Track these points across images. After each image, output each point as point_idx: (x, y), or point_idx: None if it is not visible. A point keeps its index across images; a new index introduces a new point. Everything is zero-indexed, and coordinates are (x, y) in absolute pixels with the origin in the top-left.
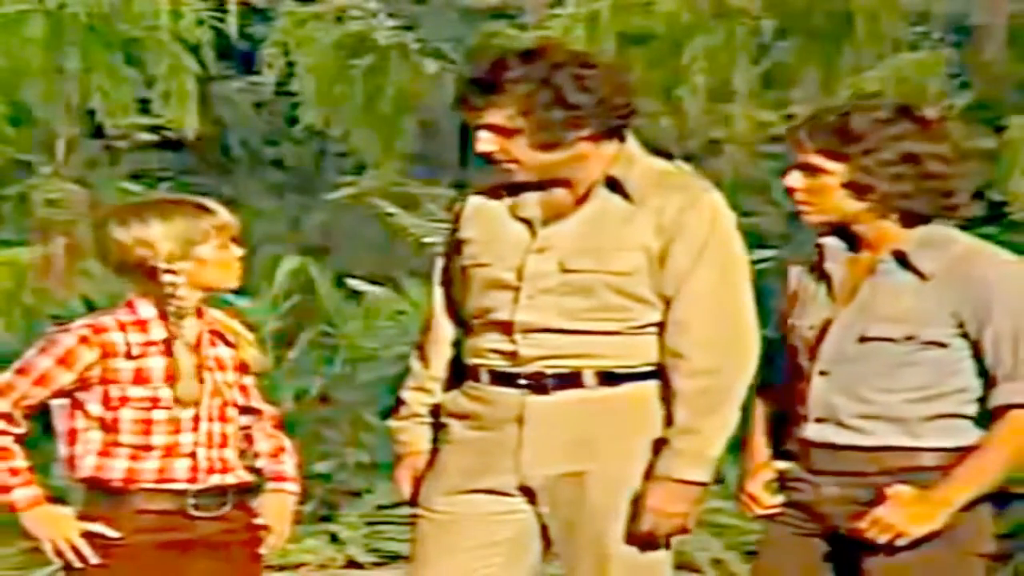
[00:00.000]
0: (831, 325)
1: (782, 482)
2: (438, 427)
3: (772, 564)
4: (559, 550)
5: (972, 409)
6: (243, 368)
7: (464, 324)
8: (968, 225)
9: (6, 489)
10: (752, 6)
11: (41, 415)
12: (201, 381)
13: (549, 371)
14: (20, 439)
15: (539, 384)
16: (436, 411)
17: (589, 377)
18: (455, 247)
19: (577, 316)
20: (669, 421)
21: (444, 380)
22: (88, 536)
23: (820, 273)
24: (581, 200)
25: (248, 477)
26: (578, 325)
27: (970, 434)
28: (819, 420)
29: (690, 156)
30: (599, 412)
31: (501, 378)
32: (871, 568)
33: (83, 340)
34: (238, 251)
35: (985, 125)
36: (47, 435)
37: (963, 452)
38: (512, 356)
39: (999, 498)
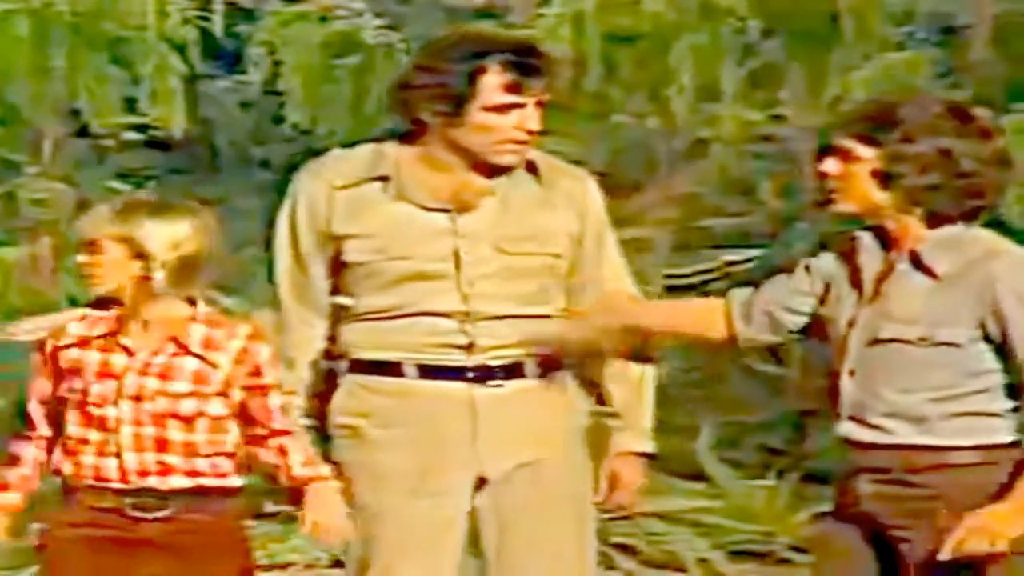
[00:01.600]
0: (855, 324)
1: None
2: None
3: (838, 562)
4: (502, 543)
5: (1000, 406)
6: (258, 388)
7: (340, 319)
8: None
9: None
10: (739, 6)
11: (23, 415)
12: (121, 382)
13: (498, 362)
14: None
15: (489, 375)
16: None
17: (530, 366)
18: (325, 243)
19: (522, 301)
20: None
21: (309, 382)
22: (49, 527)
23: (853, 268)
24: (484, 186)
25: (215, 483)
26: (524, 310)
27: (996, 432)
28: (851, 418)
29: (677, 155)
30: (541, 401)
31: (437, 371)
32: (908, 562)
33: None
34: (82, 258)
35: None
36: None
37: (994, 449)
38: (468, 348)
39: None
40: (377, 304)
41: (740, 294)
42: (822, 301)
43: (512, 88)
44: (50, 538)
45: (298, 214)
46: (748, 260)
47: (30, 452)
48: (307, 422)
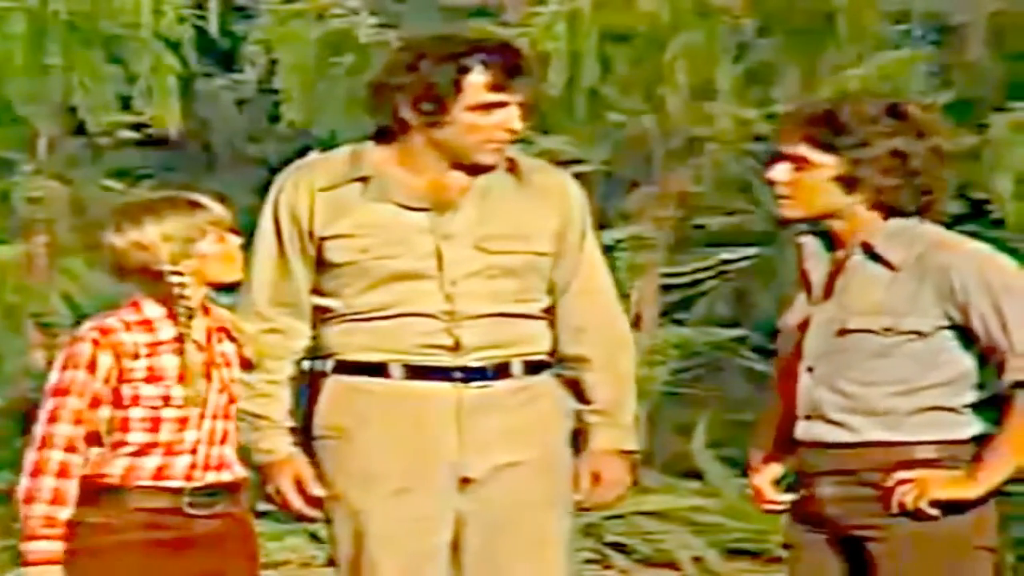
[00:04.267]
0: (810, 322)
1: (792, 483)
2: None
3: (809, 569)
4: (484, 542)
5: (959, 401)
6: (247, 365)
7: (323, 321)
8: (951, 223)
9: (32, 537)
10: (734, 4)
11: (17, 414)
12: (209, 379)
13: (486, 362)
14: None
15: (477, 375)
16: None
17: (517, 366)
18: (307, 246)
19: (506, 299)
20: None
21: (288, 381)
22: (83, 534)
23: (801, 273)
24: (465, 185)
25: (241, 473)
26: (508, 308)
27: (958, 427)
28: (808, 417)
29: (673, 154)
30: (528, 402)
31: (424, 372)
32: (879, 563)
33: (95, 344)
34: (236, 240)
35: (966, 123)
36: (23, 435)
37: (955, 444)
38: (454, 348)
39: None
40: (363, 304)
41: (777, 367)
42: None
43: (496, 87)
44: (83, 544)
45: (280, 217)
46: (744, 258)
47: (73, 488)
48: (290, 423)
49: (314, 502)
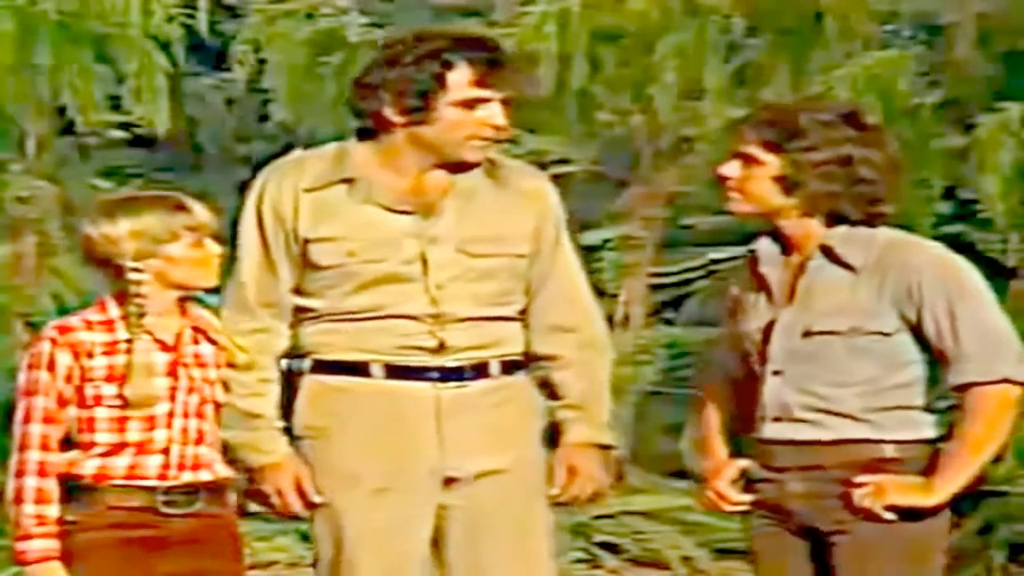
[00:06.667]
0: (774, 325)
1: (747, 483)
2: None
3: (775, 565)
4: (470, 542)
5: (921, 402)
6: (230, 367)
7: (301, 320)
8: (938, 223)
9: (27, 536)
10: (723, 4)
11: (3, 410)
12: (176, 378)
13: (466, 362)
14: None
15: (456, 376)
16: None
17: (494, 366)
18: (291, 245)
19: (487, 302)
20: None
21: (276, 380)
22: (61, 532)
23: (757, 278)
24: (446, 187)
25: (224, 473)
26: (489, 311)
27: (926, 427)
28: (777, 419)
29: (661, 153)
30: (504, 401)
31: (403, 371)
32: (838, 561)
33: (54, 343)
34: (216, 249)
35: (955, 123)
36: (4, 432)
37: (922, 443)
38: (436, 349)
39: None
40: (348, 306)
41: (707, 377)
42: (732, 322)
43: (480, 83)
44: (61, 542)
45: (264, 216)
46: (733, 258)
47: (54, 485)
48: (281, 423)
49: (310, 504)
